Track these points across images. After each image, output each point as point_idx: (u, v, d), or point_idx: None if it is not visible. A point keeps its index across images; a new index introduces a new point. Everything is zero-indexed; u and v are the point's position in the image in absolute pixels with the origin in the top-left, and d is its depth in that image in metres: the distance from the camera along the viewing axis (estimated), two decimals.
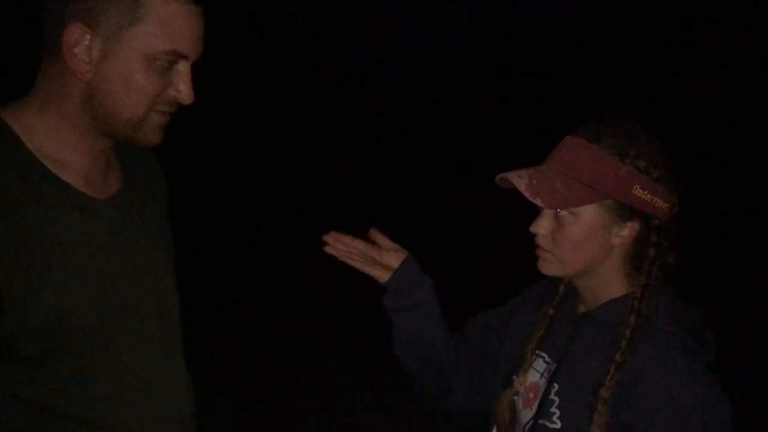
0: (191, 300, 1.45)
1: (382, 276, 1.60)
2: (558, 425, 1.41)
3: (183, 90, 1.25)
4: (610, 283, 1.44)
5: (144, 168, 1.46)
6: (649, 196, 1.36)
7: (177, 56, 1.22)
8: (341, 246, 1.58)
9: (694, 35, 13.18)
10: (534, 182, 1.37)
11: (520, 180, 1.37)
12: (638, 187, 1.36)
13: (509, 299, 1.71)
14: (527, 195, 1.36)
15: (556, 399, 1.43)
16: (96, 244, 1.25)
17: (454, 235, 9.72)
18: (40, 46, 1.23)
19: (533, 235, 1.44)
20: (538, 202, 1.36)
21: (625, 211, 1.37)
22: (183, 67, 1.25)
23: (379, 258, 1.59)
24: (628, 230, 1.39)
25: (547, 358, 1.50)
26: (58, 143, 1.24)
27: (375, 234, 1.62)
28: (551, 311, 1.54)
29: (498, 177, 1.42)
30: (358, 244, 1.59)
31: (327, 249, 1.58)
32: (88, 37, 1.18)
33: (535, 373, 1.50)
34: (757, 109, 11.64)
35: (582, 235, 1.38)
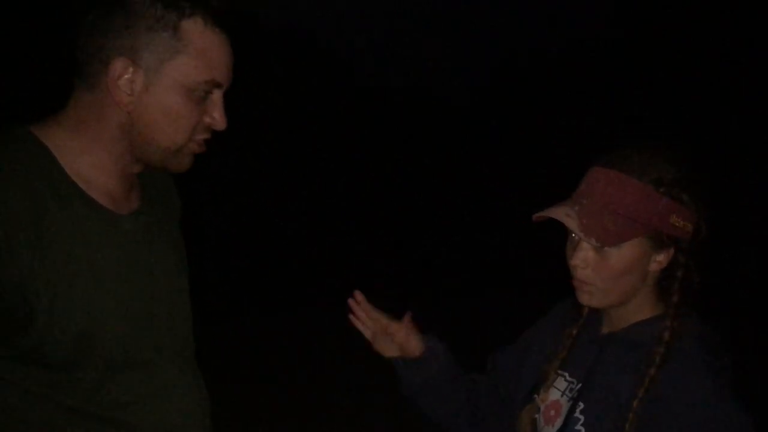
0: (196, 310, 1.48)
1: (390, 350, 1.72)
2: None
3: (218, 117, 1.32)
4: (640, 306, 1.46)
5: (159, 185, 1.50)
6: (681, 222, 1.40)
7: (214, 85, 1.29)
8: (361, 313, 1.72)
9: (717, 44, 12.82)
10: (584, 221, 1.38)
11: (570, 219, 1.39)
12: (674, 215, 1.39)
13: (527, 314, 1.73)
14: (581, 235, 1.38)
15: (581, 417, 1.45)
16: (120, 256, 1.28)
17: (462, 248, 9.68)
18: (75, 75, 1.28)
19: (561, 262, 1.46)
20: (592, 242, 1.38)
21: (663, 239, 1.40)
22: (217, 96, 1.31)
23: (394, 332, 1.70)
24: (664, 255, 1.42)
25: (568, 377, 1.52)
26: (89, 162, 1.28)
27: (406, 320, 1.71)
28: (574, 331, 1.56)
29: (536, 215, 1.44)
30: (377, 315, 1.71)
31: (352, 317, 1.72)
32: (131, 70, 1.23)
33: (556, 392, 1.53)
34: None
35: (625, 266, 1.40)
